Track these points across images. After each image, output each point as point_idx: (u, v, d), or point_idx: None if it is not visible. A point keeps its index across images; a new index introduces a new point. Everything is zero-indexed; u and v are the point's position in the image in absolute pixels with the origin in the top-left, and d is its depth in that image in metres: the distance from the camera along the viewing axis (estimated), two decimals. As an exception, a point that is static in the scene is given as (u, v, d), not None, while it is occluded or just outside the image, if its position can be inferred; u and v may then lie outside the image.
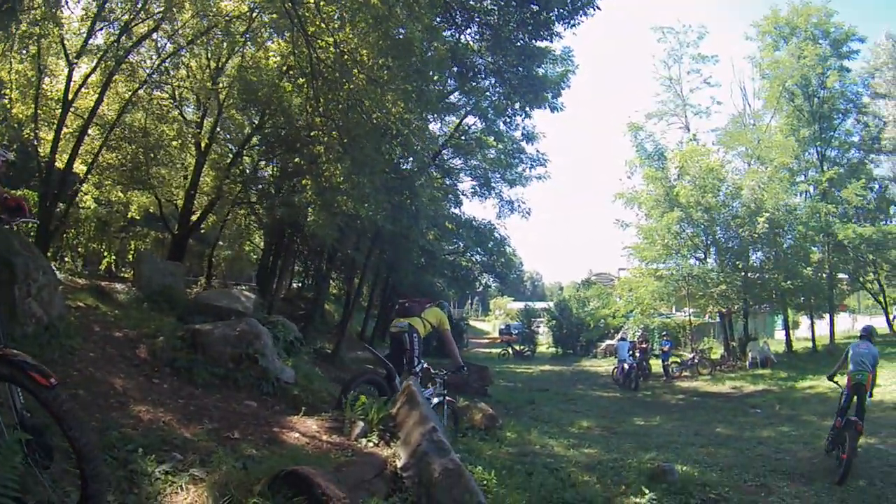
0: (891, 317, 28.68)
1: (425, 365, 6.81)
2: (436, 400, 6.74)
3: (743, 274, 22.04)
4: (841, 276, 26.63)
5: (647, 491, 5.57)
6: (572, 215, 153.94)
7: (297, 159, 12.75)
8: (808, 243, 23.25)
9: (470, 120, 20.69)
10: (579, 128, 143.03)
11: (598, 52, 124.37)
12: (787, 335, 24.92)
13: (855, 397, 7.90)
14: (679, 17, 49.10)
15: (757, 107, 27.31)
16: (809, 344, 24.72)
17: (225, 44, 12.20)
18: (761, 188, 21.57)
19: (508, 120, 19.81)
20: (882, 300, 29.85)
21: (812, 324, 25.46)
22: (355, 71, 9.87)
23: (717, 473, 7.10)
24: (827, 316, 24.89)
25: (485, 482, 4.90)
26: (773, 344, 25.64)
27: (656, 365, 21.18)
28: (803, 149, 24.46)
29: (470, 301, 71.21)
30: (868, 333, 8.79)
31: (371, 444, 5.06)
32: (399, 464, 4.67)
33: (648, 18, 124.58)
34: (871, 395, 8.18)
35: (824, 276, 23.42)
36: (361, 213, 12.31)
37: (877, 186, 26.77)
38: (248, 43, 12.45)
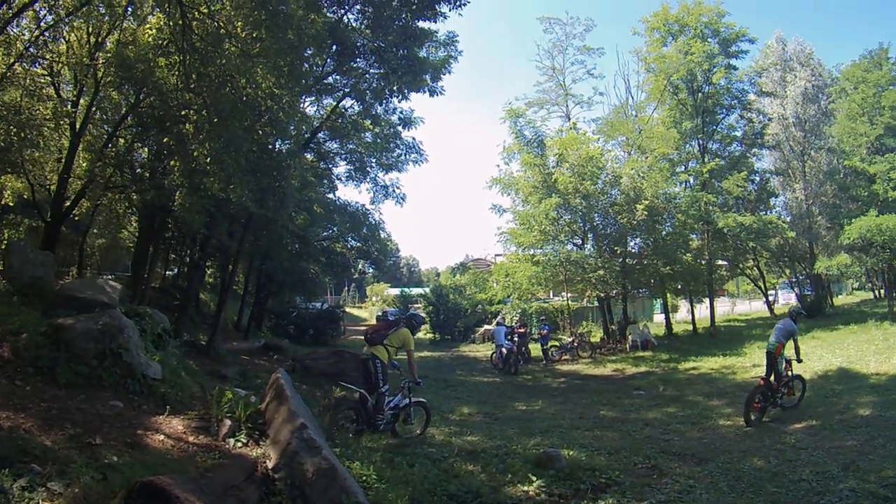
0: (770, 301, 29.99)
1: (388, 387, 8.12)
2: (405, 402, 8.32)
3: (621, 260, 22.53)
4: (720, 262, 27.73)
5: (534, 478, 5.57)
6: (451, 201, 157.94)
7: (166, 139, 12.22)
8: (688, 231, 23.85)
9: (348, 102, 20.43)
10: (463, 113, 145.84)
11: (485, 39, 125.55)
12: (667, 319, 25.77)
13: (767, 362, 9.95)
14: (568, 9, 49.95)
15: (640, 99, 28.05)
16: (690, 327, 25.72)
17: (106, 17, 11.72)
18: (641, 177, 22.05)
19: (387, 103, 19.72)
20: (762, 285, 31.14)
21: (692, 308, 26.43)
22: (229, 45, 9.64)
23: (605, 457, 7.10)
24: (707, 300, 25.73)
25: (364, 478, 4.76)
26: (653, 327, 26.46)
27: (535, 349, 21.34)
28: (685, 141, 25.25)
29: (347, 288, 72.19)
30: (791, 313, 10.88)
31: (240, 445, 4.88)
32: (270, 464, 4.44)
33: (539, 9, 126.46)
34: (799, 361, 10.54)
35: (703, 262, 24.18)
36: (229, 195, 11.99)
37: (758, 179, 28.02)
38: (130, 16, 12.01)
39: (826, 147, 30.30)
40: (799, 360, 10.48)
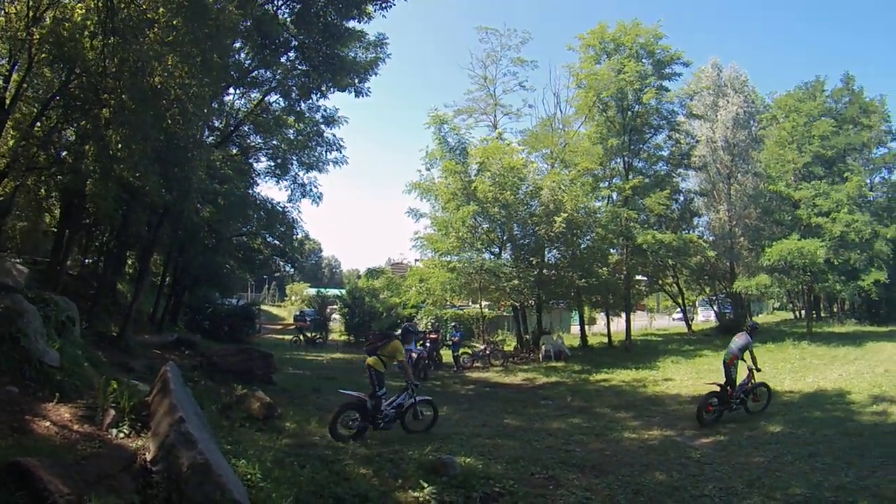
0: (689, 317, 30.90)
1: (385, 390, 9.48)
2: (410, 401, 9.57)
3: (537, 270, 22.77)
4: (640, 277, 28.22)
5: (426, 484, 5.57)
6: (377, 204, 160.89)
7: (84, 122, 12.04)
8: (607, 245, 24.37)
9: (274, 98, 20.40)
10: (393, 118, 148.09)
11: (419, 46, 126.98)
12: (583, 330, 26.32)
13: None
14: (506, 21, 50.81)
15: (569, 114, 28.56)
16: (606, 339, 26.25)
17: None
18: (562, 189, 22.45)
19: (312, 101, 19.71)
20: (681, 301, 31.99)
21: (608, 321, 27.10)
22: (149, 31, 9.64)
23: (502, 466, 7.08)
24: (624, 314, 26.23)
25: (249, 476, 4.70)
26: (570, 339, 27.06)
27: (448, 356, 21.55)
28: (610, 157, 25.79)
29: (268, 286, 72.45)
30: (748, 327, 12.24)
31: (122, 435, 4.82)
32: (149, 457, 4.40)
33: (476, 19, 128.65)
34: (758, 370, 11.65)
35: (621, 276, 24.69)
36: (140, 184, 11.98)
37: (682, 198, 28.75)
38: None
39: (753, 171, 31.37)
40: (757, 370, 11.53)
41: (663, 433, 10.42)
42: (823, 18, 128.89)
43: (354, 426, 9.09)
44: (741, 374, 11.65)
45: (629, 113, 25.94)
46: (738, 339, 11.66)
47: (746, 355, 11.44)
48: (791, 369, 19.24)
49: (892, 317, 40.39)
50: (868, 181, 38.61)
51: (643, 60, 26.63)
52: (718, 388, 11.14)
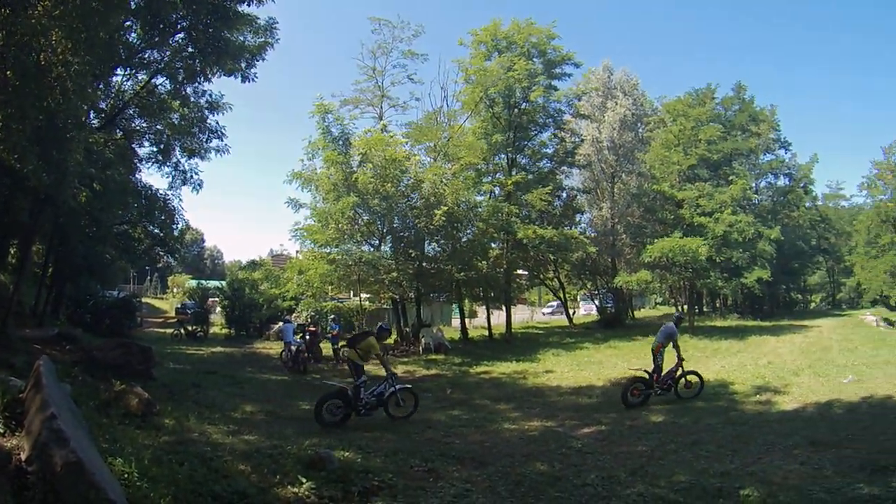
0: (570, 311, 32.67)
1: (365, 379, 11.18)
2: (391, 390, 11.25)
3: (417, 263, 24.28)
4: (520, 272, 30.57)
5: (304, 480, 5.66)
6: (264, 193, 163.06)
7: None
8: (487, 239, 26.15)
9: (161, 80, 19.86)
10: (281, 106, 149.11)
11: (313, 33, 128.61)
12: (463, 323, 28.10)
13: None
14: (402, 12, 52.04)
15: (455, 108, 30.55)
16: (486, 332, 27.94)
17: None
18: (443, 183, 24.05)
19: (198, 84, 19.75)
20: (562, 296, 33.78)
21: (488, 313, 28.90)
22: (38, 2, 9.58)
23: (381, 459, 7.30)
24: (504, 307, 28.21)
25: (126, 475, 4.74)
26: (451, 331, 28.64)
27: (328, 348, 22.26)
28: (494, 152, 27.92)
29: (150, 277, 72.63)
30: (674, 318, 14.12)
31: None
32: (23, 456, 4.31)
33: (373, 9, 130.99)
34: (681, 359, 13.38)
35: (501, 270, 26.63)
36: (16, 165, 11.81)
37: (565, 195, 31.51)
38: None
39: (637, 171, 34.73)
40: (680, 359, 13.31)
41: (544, 424, 11.09)
42: (725, 33, 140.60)
43: (338, 413, 10.77)
44: (669, 363, 13.35)
45: (516, 110, 28.01)
46: (665, 328, 13.51)
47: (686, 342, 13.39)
48: (673, 360, 20.49)
49: (775, 312, 45.07)
50: (754, 185, 42.32)
51: (534, 59, 28.74)
52: (645, 374, 12.90)
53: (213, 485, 5.24)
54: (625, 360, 20.62)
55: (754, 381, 16.28)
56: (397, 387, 11.59)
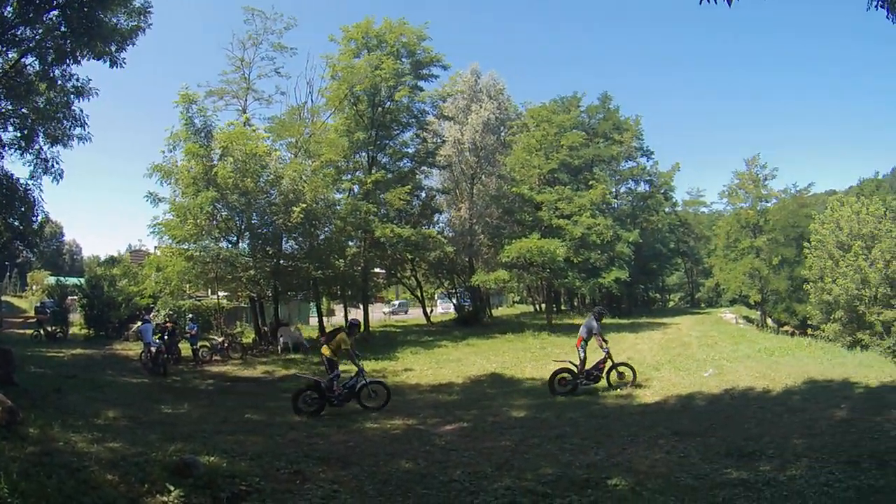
0: (428, 309, 35.20)
1: (338, 373, 13.52)
2: (362, 383, 13.57)
3: (274, 261, 26.24)
4: (378, 270, 34.10)
5: (172, 487, 5.81)
6: (124, 186, 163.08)
7: None
8: (345, 237, 28.89)
9: (30, 60, 19.47)
10: (145, 94, 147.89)
11: (188, 21, 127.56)
12: (321, 322, 30.59)
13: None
14: (276, 4, 52.94)
15: (320, 104, 33.02)
16: None
17: None
18: (302, 179, 26.30)
19: (67, 67, 19.55)
20: (419, 294, 36.36)
21: (346, 312, 31.87)
22: None
23: (246, 463, 7.58)
24: (362, 306, 31.46)
25: None
26: (309, 330, 30.92)
27: (187, 349, 23.23)
28: (355, 150, 30.97)
29: (9, 275, 70.35)
30: (595, 312, 16.15)
31: None
32: None
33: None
34: (605, 349, 15.23)
35: (358, 268, 29.66)
36: None
37: (423, 195, 35.46)
38: None
39: (497, 174, 38.73)
40: (605, 345, 15.27)
41: (406, 422, 12.05)
42: (596, 44, 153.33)
43: (313, 404, 13.11)
44: (596, 355, 15.48)
45: (380, 108, 31.11)
46: (586, 323, 15.72)
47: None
48: (532, 358, 23.06)
49: (633, 311, 50.54)
50: (614, 190, 46.72)
51: (403, 59, 31.88)
52: (572, 366, 15.16)
53: (82, 497, 5.41)
54: (483, 357, 23.00)
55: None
56: (368, 381, 14.03)
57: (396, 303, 57.05)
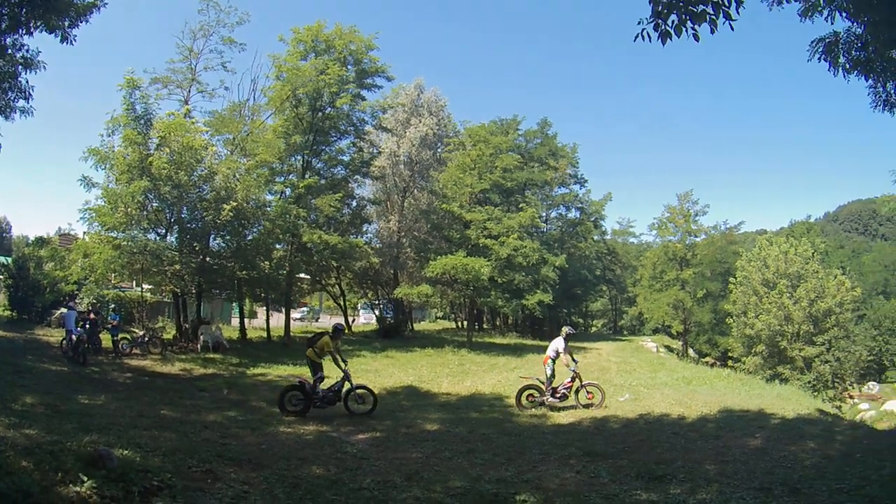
0: (350, 318, 37.06)
1: (322, 375, 14.89)
2: (347, 386, 14.81)
3: (200, 257, 27.73)
4: (303, 275, 36.13)
5: (86, 478, 6.01)
6: (62, 166, 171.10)
7: None
8: (272, 240, 30.67)
9: None
10: (92, 75, 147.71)
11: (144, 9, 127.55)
12: (242, 323, 32.41)
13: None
14: None
15: (261, 102, 34.67)
16: (265, 333, 32.46)
17: None
18: (236, 178, 27.99)
19: (17, 37, 18.75)
20: (342, 303, 38.18)
21: (268, 314, 33.65)
22: None
23: (159, 458, 8.00)
24: (284, 310, 33.46)
25: None
26: (230, 330, 32.54)
27: (108, 340, 24.07)
28: (291, 153, 33.15)
29: None
30: (564, 333, 17.17)
31: None
32: None
33: None
34: (573, 367, 16.63)
35: (283, 272, 31.68)
36: None
37: (355, 204, 37.83)
38: None
39: (429, 189, 41.50)
40: (572, 365, 16.68)
41: (319, 429, 12.87)
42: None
43: (298, 404, 14.45)
44: (564, 374, 16.93)
45: (320, 113, 33.42)
46: (553, 342, 17.22)
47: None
48: (449, 373, 24.79)
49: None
50: (544, 214, 49.68)
51: (349, 66, 34.38)
52: (539, 383, 16.84)
53: (-3, 483, 5.82)
54: (401, 370, 24.64)
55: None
56: (354, 385, 15.23)
57: (305, 309, 58.41)
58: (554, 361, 16.85)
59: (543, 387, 16.77)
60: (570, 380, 16.82)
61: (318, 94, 32.00)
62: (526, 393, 16.78)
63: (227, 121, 31.93)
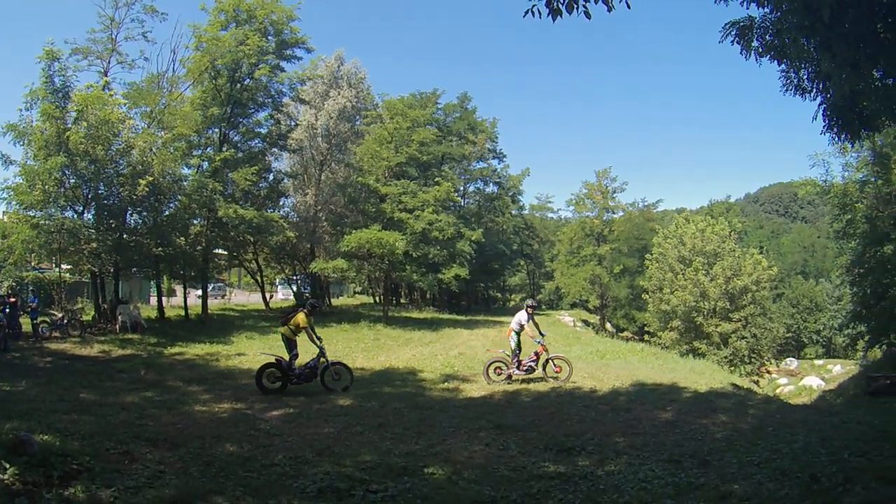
0: (267, 294, 38.90)
1: (296, 352, 15.98)
2: (324, 363, 15.96)
3: (117, 234, 29.00)
4: (220, 251, 38.20)
5: (8, 465, 6.33)
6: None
7: None
8: (189, 215, 32.50)
9: None
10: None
11: None
12: (160, 301, 33.77)
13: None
14: None
15: (181, 74, 35.65)
16: (183, 312, 33.91)
17: None
18: (152, 152, 29.48)
19: None
20: (259, 279, 41.71)
21: (185, 292, 35.33)
22: None
23: (78, 442, 8.33)
24: (201, 287, 35.42)
25: None
26: (148, 309, 33.83)
27: (29, 324, 24.93)
28: (208, 126, 34.49)
29: None
30: (525, 305, 18.28)
31: None
32: None
33: None
34: (540, 339, 17.79)
35: (200, 248, 33.34)
36: None
37: (272, 177, 39.64)
38: None
39: (347, 162, 44.67)
40: (539, 340, 17.81)
41: (233, 406, 13.58)
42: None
43: (276, 382, 15.59)
44: (531, 348, 18.19)
45: (238, 85, 34.89)
46: (517, 316, 18.22)
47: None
48: (364, 348, 26.55)
49: (473, 308, 57.00)
50: (462, 188, 52.59)
51: (269, 37, 35.69)
52: (504, 356, 18.06)
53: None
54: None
55: (443, 369, 20.47)
56: (330, 361, 16.38)
57: (210, 285, 58.00)
58: (518, 335, 17.81)
59: (509, 360, 17.90)
60: (537, 352, 18.04)
61: (237, 65, 33.17)
62: (493, 366, 17.93)
63: (144, 93, 32.63)
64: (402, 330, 33.40)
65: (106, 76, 32.04)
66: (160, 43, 65.88)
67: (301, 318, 15.98)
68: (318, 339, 16.14)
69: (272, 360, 15.82)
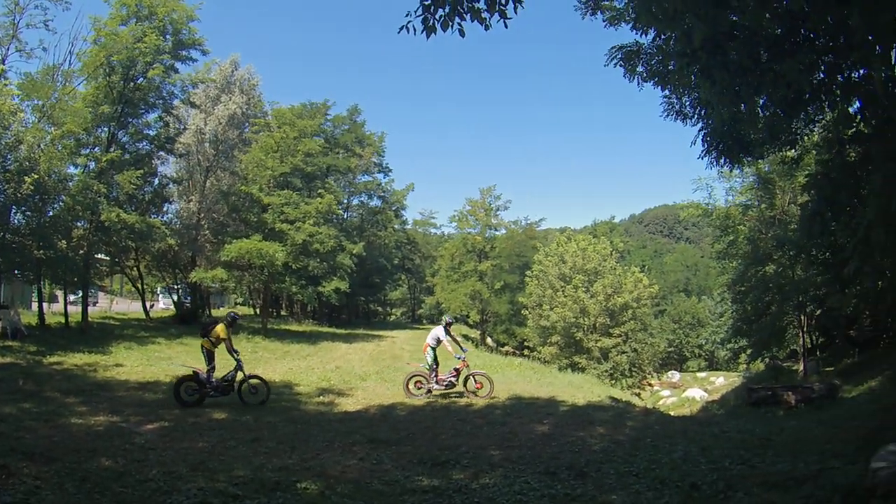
0: (147, 304, 40.31)
1: (213, 364, 16.73)
2: (241, 378, 16.82)
3: (1, 234, 28.21)
4: (102, 257, 38.28)
5: None
6: None
7: None
8: (72, 217, 32.52)
9: None
10: None
11: None
12: (41, 307, 33.43)
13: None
14: None
15: (76, 67, 35.19)
16: (63, 318, 33.68)
17: None
18: (40, 148, 29.34)
19: None
20: (140, 286, 43.51)
21: (66, 298, 35.26)
22: None
23: None
24: (82, 293, 35.26)
25: None
26: (29, 315, 33.54)
27: None
28: (98, 124, 34.53)
29: None
30: (444, 322, 19.42)
31: None
32: None
33: None
34: (460, 356, 18.93)
35: (81, 253, 33.32)
36: None
37: (157, 182, 40.37)
38: None
39: (232, 169, 45.87)
40: (460, 356, 18.94)
41: (110, 419, 13.76)
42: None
43: (194, 394, 16.21)
44: (450, 365, 19.30)
45: (132, 83, 35.22)
46: (434, 331, 19.50)
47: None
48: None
49: (353, 321, 59.64)
50: (345, 201, 55.13)
51: (167, 36, 36.38)
52: (424, 369, 19.10)
53: None
54: (194, 357, 24.06)
55: (320, 383, 21.42)
56: (248, 375, 17.22)
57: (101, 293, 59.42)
58: (434, 350, 18.91)
59: (427, 375, 19.00)
60: (457, 367, 19.05)
61: (132, 63, 33.28)
62: (414, 379, 19.02)
63: (38, 85, 32.26)
64: (280, 343, 34.66)
65: (3, 64, 31.40)
66: (60, 33, 64.87)
67: (221, 329, 16.91)
68: (236, 352, 17.13)
69: (190, 372, 16.55)
